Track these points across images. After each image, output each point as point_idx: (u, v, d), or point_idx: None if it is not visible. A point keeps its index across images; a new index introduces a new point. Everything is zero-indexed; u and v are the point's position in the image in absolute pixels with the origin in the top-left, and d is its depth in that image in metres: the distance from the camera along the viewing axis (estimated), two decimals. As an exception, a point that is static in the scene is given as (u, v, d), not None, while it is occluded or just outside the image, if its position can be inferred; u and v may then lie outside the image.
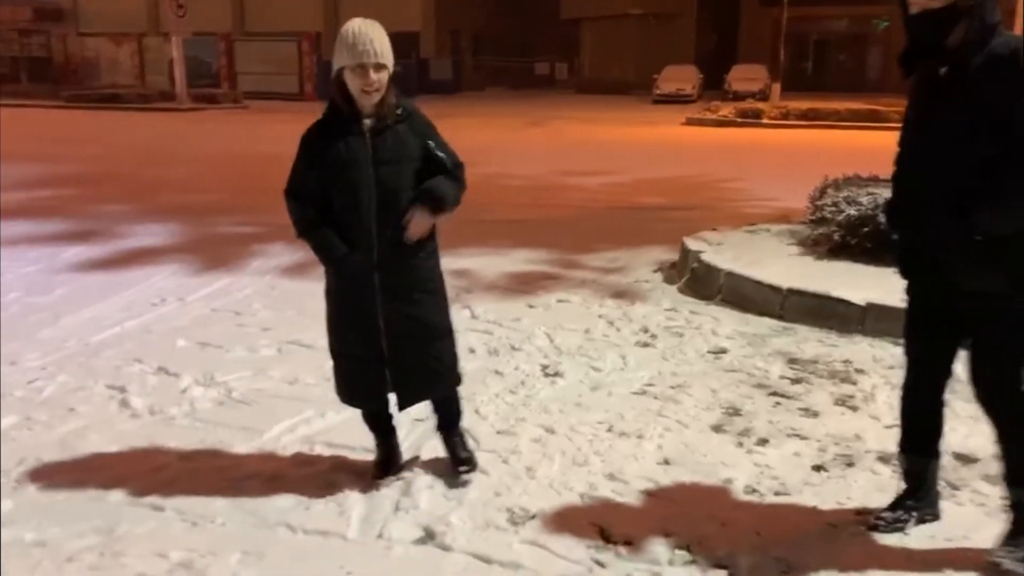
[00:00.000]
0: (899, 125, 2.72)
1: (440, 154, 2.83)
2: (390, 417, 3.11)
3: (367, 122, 2.77)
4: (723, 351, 4.57)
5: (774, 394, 3.99)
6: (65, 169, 12.37)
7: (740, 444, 3.45)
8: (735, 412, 3.76)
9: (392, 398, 2.97)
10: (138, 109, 27.57)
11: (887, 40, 39.70)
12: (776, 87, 27.63)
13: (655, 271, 6.48)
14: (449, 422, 3.17)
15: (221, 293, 5.72)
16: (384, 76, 2.74)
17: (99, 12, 51.15)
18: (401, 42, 38.29)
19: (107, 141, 17.38)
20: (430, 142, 2.82)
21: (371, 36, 2.69)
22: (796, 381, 4.17)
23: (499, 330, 4.90)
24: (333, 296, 2.96)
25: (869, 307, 4.78)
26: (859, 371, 4.29)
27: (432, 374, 2.96)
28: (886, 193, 5.89)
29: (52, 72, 40.34)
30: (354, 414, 3.52)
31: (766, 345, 4.69)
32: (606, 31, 42.28)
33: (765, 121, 22.21)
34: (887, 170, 2.84)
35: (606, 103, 33.13)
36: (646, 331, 4.91)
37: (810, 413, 3.77)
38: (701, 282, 5.76)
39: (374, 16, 2.77)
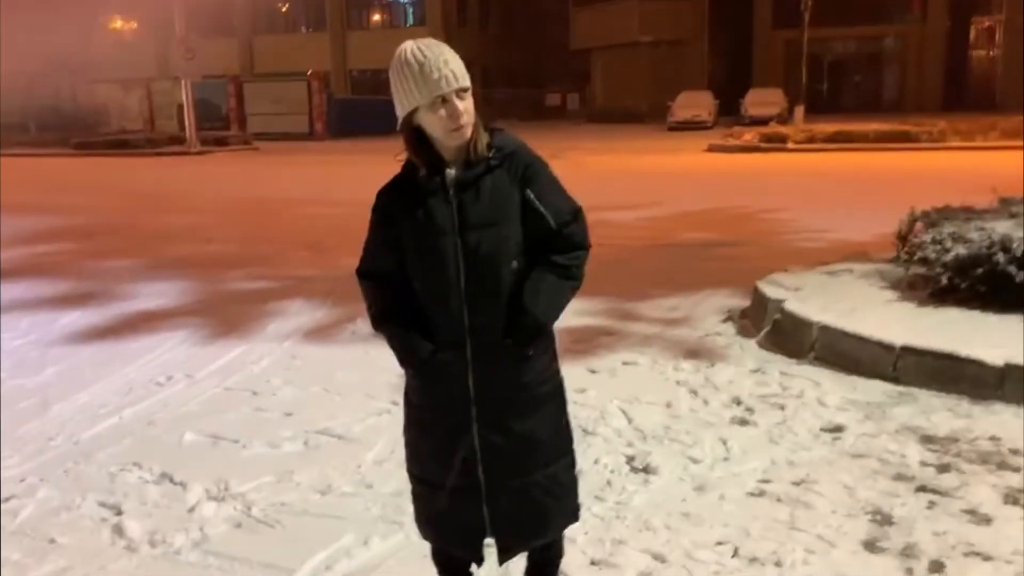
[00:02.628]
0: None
1: (541, 207, 2.07)
2: (471, 562, 2.34)
3: (450, 173, 2.03)
4: (839, 428, 3.79)
5: (923, 489, 3.20)
6: (67, 221, 11.74)
7: (910, 571, 2.66)
8: (885, 520, 2.97)
9: (489, 543, 2.20)
10: (147, 154, 27.14)
11: (903, 59, 39.19)
12: (800, 110, 27.02)
13: (724, 320, 5.72)
14: (545, 568, 2.39)
15: (235, 366, 4.98)
16: (471, 104, 2.00)
17: (109, 59, 51.37)
18: (411, 78, 38.11)
19: (113, 188, 16.82)
20: (529, 190, 2.06)
21: (443, 56, 1.96)
22: (942, 469, 3.38)
23: (563, 406, 4.13)
24: (413, 405, 2.20)
25: (1008, 368, 3.99)
26: (1015, 452, 3.50)
27: (542, 512, 2.18)
28: (999, 227, 5.16)
29: (61, 120, 40.19)
30: (407, 540, 2.78)
31: (888, 418, 3.90)
32: (617, 60, 41.91)
33: (791, 145, 21.55)
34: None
35: (621, 132, 32.58)
36: (739, 403, 4.14)
37: (979, 518, 2.98)
38: (787, 336, 4.99)
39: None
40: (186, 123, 28.22)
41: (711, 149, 22.64)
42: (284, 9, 49.31)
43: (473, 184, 2.03)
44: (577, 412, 4.00)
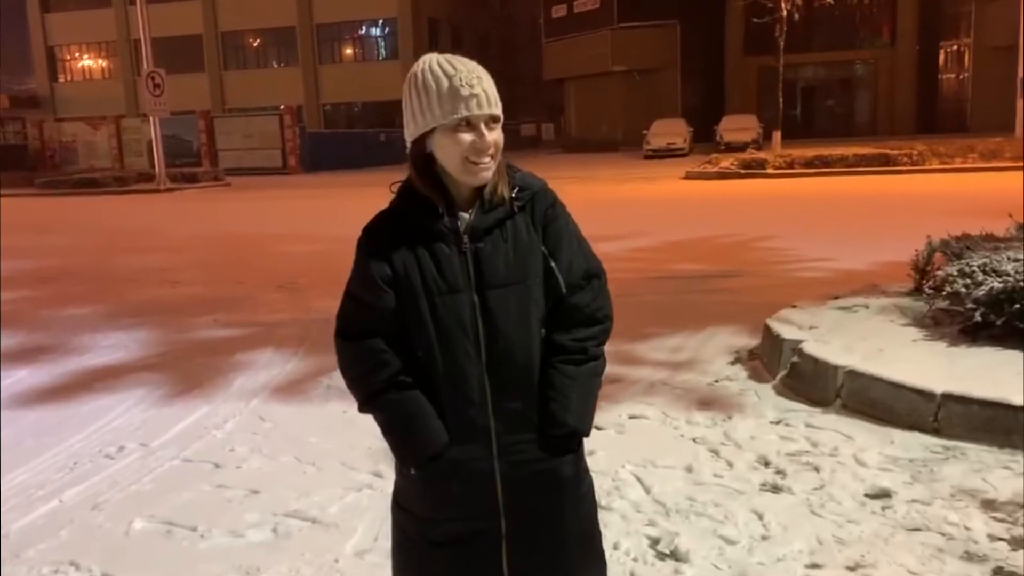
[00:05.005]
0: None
1: (553, 264, 1.64)
2: None
3: (464, 216, 1.60)
4: (887, 494, 3.32)
5: (1000, 573, 2.74)
6: (24, 264, 11.12)
7: None
8: (968, 616, 2.51)
9: None
10: (115, 192, 26.49)
11: (874, 83, 39.43)
12: (777, 135, 26.94)
13: (733, 363, 5.28)
14: None
15: (196, 431, 4.44)
16: (500, 137, 1.58)
17: (77, 97, 50.68)
18: (387, 110, 37.69)
19: (77, 229, 16.19)
20: (544, 247, 1.64)
21: (476, 73, 1.55)
22: (1016, 544, 2.91)
23: (569, 473, 3.64)
24: (414, 517, 1.69)
25: (1069, 418, 3.56)
26: (1093, 519, 3.05)
27: None
28: (1036, 257, 4.76)
29: (28, 159, 39.37)
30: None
31: (937, 479, 3.45)
32: (591, 89, 41.87)
33: (770, 171, 21.32)
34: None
35: (597, 161, 32.39)
36: (767, 464, 3.67)
37: (1076, 609, 2.52)
38: (807, 382, 4.53)
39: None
40: (155, 160, 27.62)
41: (689, 176, 22.40)
42: (255, 44, 48.95)
43: (491, 231, 1.59)
44: (586, 480, 3.52)
